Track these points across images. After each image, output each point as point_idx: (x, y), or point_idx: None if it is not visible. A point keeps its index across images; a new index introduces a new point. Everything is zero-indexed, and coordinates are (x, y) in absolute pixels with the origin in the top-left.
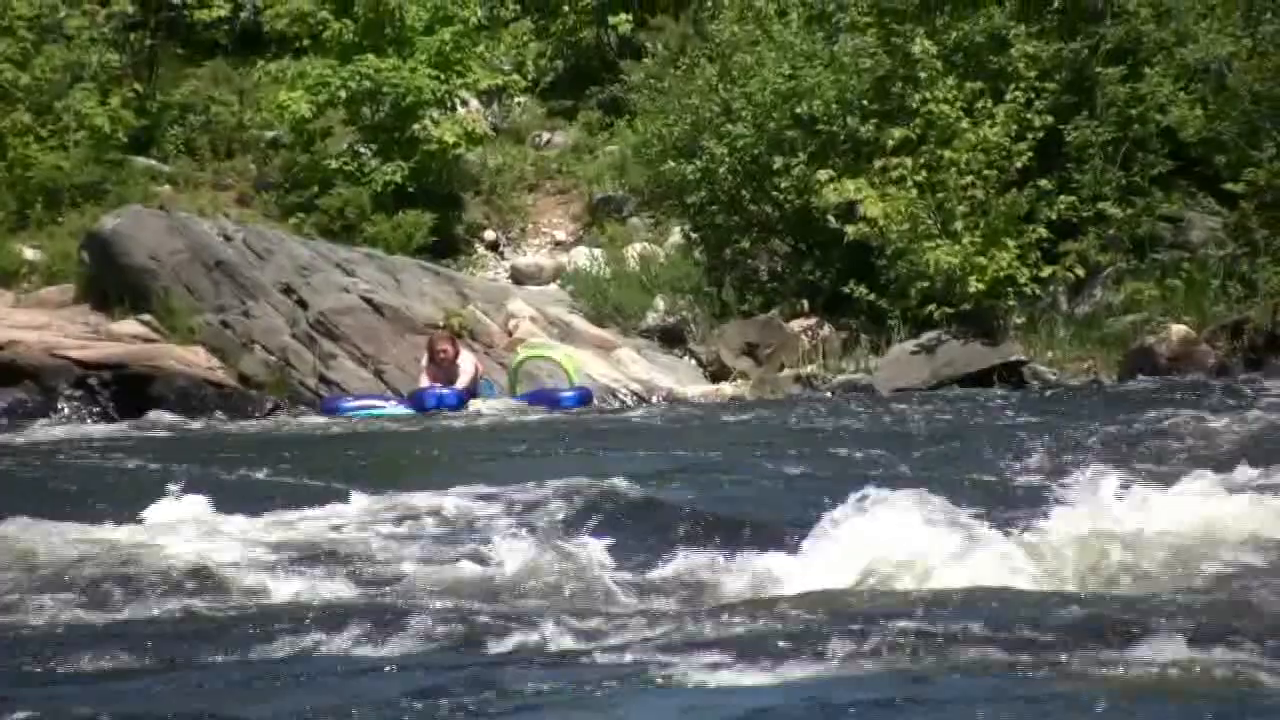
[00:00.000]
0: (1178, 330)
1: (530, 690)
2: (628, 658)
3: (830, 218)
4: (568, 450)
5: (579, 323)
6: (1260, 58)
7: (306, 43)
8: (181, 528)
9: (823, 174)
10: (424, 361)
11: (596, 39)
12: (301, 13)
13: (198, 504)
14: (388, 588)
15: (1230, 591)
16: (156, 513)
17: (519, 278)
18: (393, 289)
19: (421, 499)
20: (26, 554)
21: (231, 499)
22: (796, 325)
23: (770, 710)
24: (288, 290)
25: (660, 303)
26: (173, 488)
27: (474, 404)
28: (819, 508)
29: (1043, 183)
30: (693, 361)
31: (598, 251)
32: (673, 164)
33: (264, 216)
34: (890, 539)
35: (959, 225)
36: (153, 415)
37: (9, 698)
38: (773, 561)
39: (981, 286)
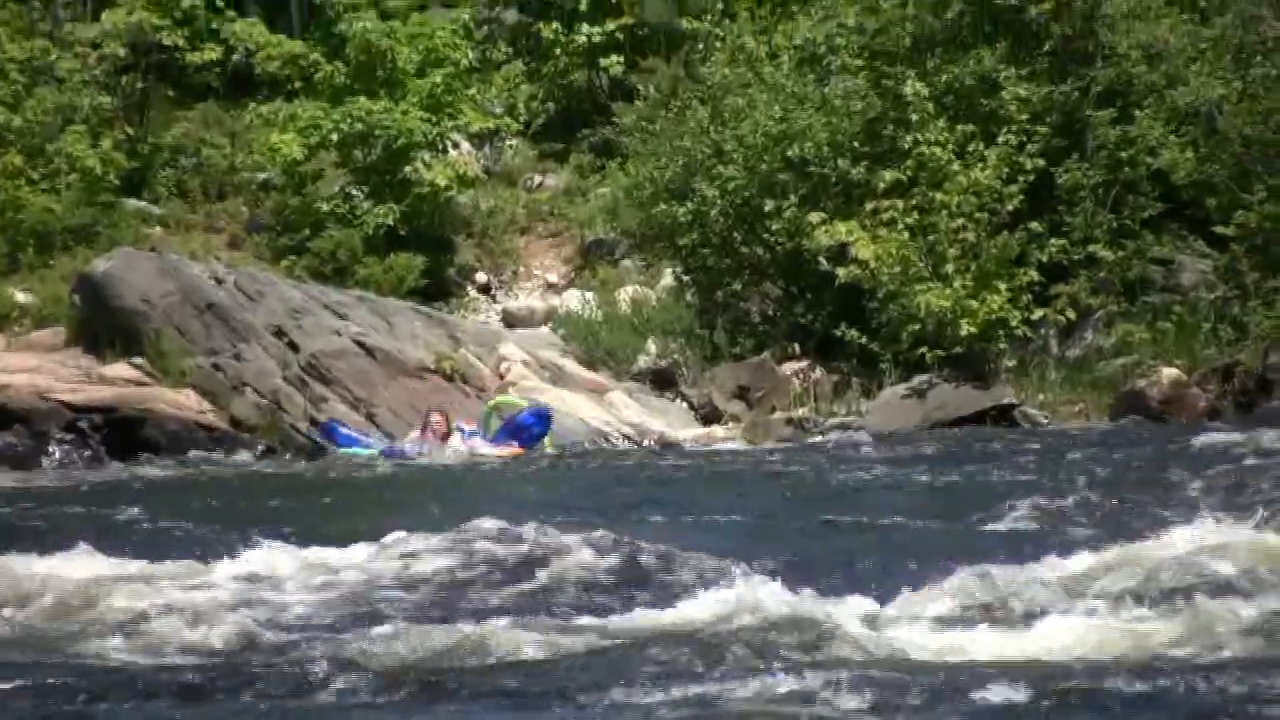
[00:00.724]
0: (1169, 373)
1: None
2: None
3: (822, 260)
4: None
5: (571, 366)
6: (1251, 101)
7: (298, 85)
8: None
9: (814, 216)
10: (416, 427)
11: (588, 82)
12: (293, 56)
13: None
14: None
15: None
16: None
17: (511, 321)
18: (384, 332)
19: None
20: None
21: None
22: (788, 368)
23: None
24: (279, 333)
25: (652, 346)
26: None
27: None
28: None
29: (1034, 225)
30: (684, 404)
31: (589, 294)
32: (664, 206)
33: (255, 259)
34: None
35: (950, 268)
36: (143, 458)
37: None
38: None
39: (973, 329)
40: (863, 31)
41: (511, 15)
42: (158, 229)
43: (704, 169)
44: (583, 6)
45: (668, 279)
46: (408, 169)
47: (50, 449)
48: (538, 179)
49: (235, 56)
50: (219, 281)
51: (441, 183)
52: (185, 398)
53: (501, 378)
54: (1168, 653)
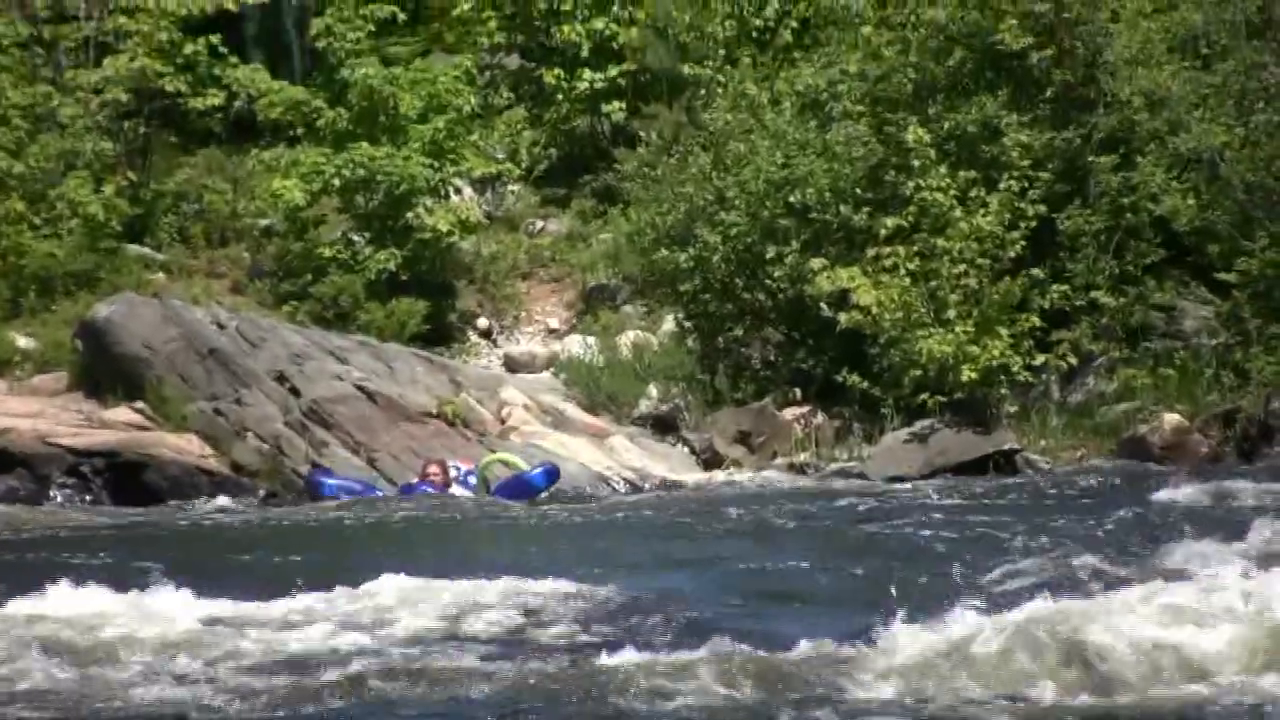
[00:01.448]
0: (1170, 419)
1: None
2: None
3: (823, 306)
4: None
5: (572, 410)
6: (1253, 147)
7: (300, 131)
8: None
9: (816, 262)
10: (414, 477)
11: (590, 127)
12: (295, 102)
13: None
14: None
15: None
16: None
17: (512, 366)
18: (386, 377)
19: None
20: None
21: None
22: (789, 413)
23: None
24: (281, 378)
25: (653, 390)
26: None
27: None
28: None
29: (1036, 271)
30: (686, 449)
31: (591, 339)
32: (666, 252)
33: (257, 304)
34: None
35: (952, 314)
36: (145, 502)
37: None
38: None
39: (974, 375)
40: (865, 78)
41: (514, 61)
42: (160, 274)
43: (706, 215)
44: (585, 52)
45: (669, 324)
46: (410, 214)
47: (52, 493)
48: (539, 224)
49: (238, 102)
50: (221, 327)
51: (443, 228)
52: (187, 442)
53: (503, 422)
54: None
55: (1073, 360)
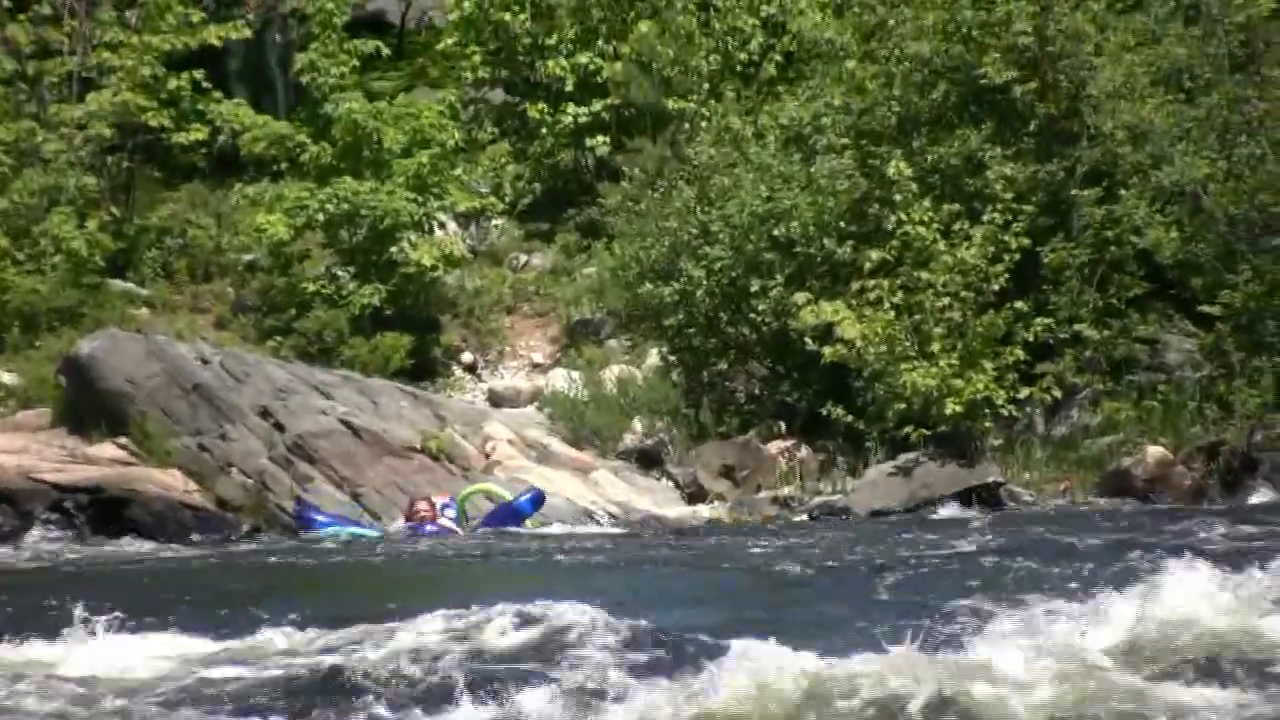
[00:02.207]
0: (1154, 452)
1: None
2: None
3: (808, 340)
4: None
5: (556, 445)
6: (1236, 180)
7: (284, 166)
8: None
9: (800, 296)
10: (401, 516)
11: (574, 161)
12: (279, 136)
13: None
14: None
15: None
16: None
17: (496, 400)
18: (370, 411)
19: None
20: None
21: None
22: (774, 447)
23: None
24: (265, 413)
25: (638, 425)
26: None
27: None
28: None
29: (1019, 304)
30: (670, 483)
31: (575, 374)
32: (650, 286)
33: (241, 339)
34: None
35: (936, 347)
36: (128, 538)
37: None
38: None
39: (958, 408)
40: (849, 111)
41: (498, 96)
42: (144, 310)
43: (690, 249)
44: (569, 87)
45: (653, 358)
46: (394, 249)
47: (35, 528)
48: (524, 259)
49: (221, 137)
50: (205, 362)
51: (427, 263)
52: (171, 478)
53: (487, 457)
54: None
55: (1056, 393)
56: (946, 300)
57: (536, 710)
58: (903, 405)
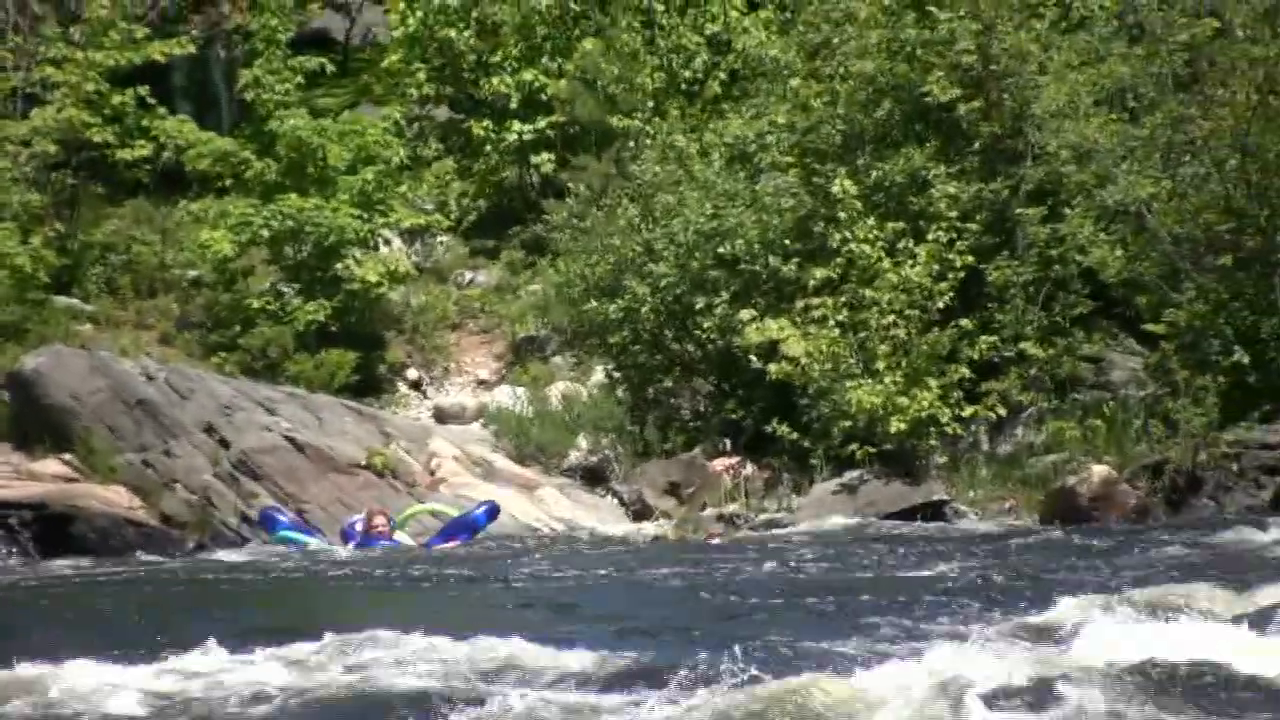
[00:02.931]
0: (1099, 470)
1: None
2: None
3: (753, 357)
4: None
5: (501, 462)
6: (1180, 199)
7: (228, 182)
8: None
9: (745, 314)
10: (359, 525)
11: (519, 179)
12: (223, 153)
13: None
14: None
15: None
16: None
17: (442, 417)
18: (315, 428)
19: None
20: None
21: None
22: (719, 464)
23: None
24: (209, 429)
25: (583, 442)
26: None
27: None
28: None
29: (964, 322)
30: (615, 500)
31: (520, 390)
32: (595, 304)
33: (186, 355)
34: None
35: (881, 365)
36: (72, 555)
37: None
38: None
39: (903, 426)
40: (793, 129)
41: (443, 113)
42: (88, 326)
43: (635, 266)
44: (514, 104)
45: (599, 375)
46: (339, 266)
47: None
48: (469, 275)
49: (165, 154)
50: (149, 378)
51: (372, 279)
52: (115, 494)
53: (432, 474)
54: None
55: (1001, 411)
56: (891, 318)
57: None
58: (848, 423)
